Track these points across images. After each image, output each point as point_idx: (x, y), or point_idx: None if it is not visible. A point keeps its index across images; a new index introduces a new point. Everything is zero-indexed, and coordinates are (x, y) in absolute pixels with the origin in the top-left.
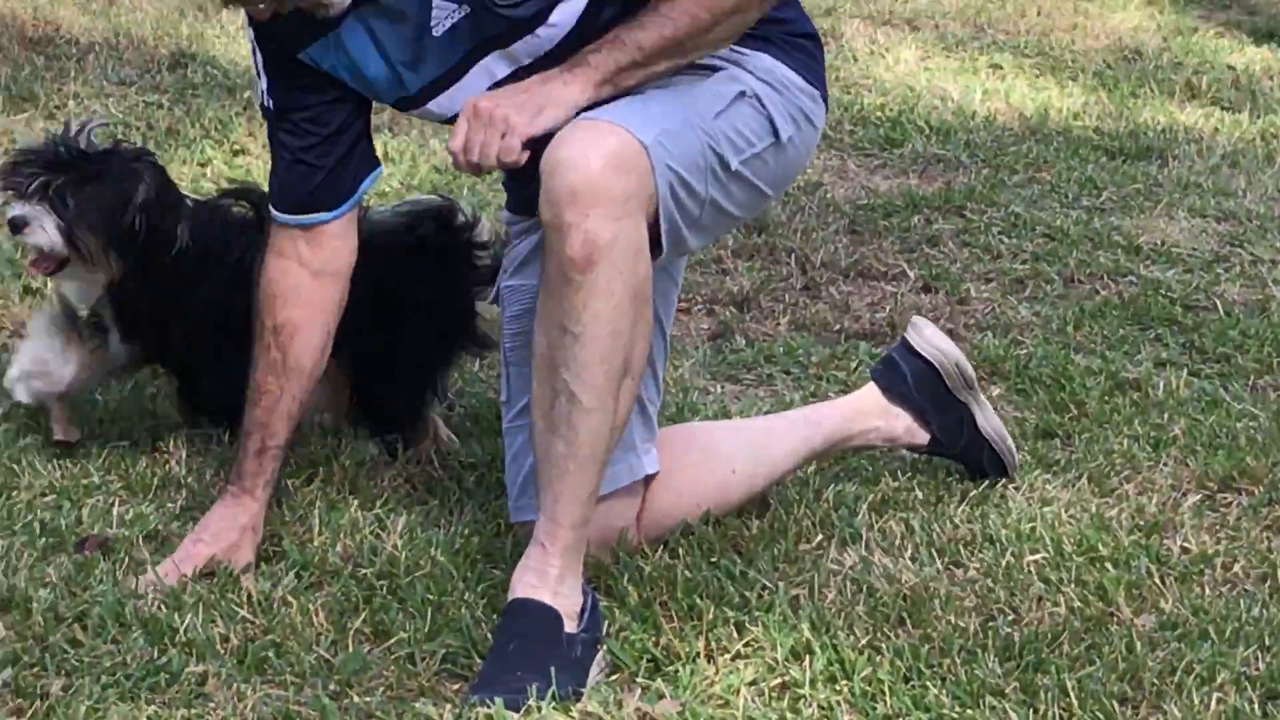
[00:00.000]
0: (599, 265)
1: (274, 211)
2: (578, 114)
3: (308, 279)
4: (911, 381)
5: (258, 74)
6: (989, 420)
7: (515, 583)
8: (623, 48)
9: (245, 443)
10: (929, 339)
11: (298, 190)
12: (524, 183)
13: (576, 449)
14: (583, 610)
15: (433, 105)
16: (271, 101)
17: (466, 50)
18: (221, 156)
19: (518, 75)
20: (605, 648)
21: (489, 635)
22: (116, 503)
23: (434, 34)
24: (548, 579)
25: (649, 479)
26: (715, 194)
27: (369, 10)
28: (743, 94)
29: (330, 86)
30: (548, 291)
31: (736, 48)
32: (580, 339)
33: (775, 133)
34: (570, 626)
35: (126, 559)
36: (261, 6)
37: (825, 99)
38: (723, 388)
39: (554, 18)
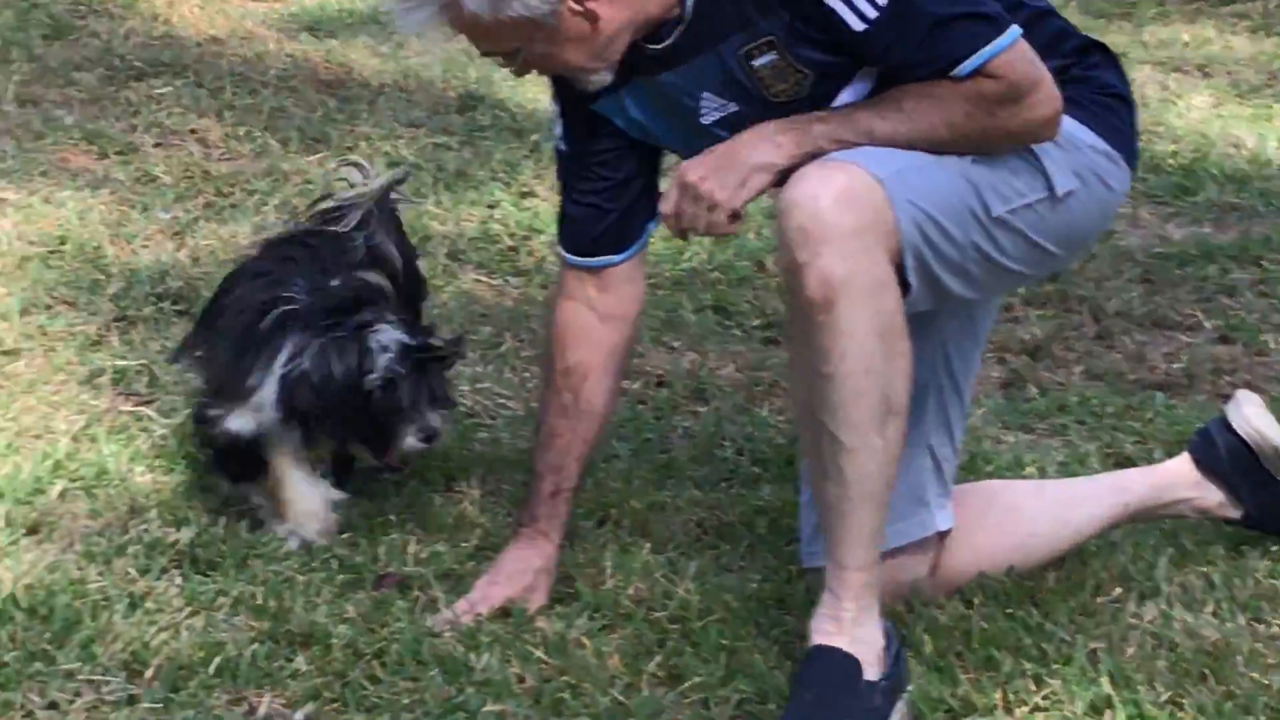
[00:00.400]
0: (838, 303)
1: (563, 254)
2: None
3: (596, 322)
4: (1226, 458)
5: (554, 118)
6: None
7: (812, 630)
8: (852, 128)
9: (538, 485)
10: (1248, 418)
11: (588, 233)
12: None
13: (847, 490)
14: (884, 655)
15: None
16: (566, 145)
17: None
18: (510, 199)
19: None
20: (908, 696)
21: (783, 681)
22: (412, 542)
23: (702, 121)
24: (842, 624)
25: (943, 535)
26: (979, 240)
27: (642, 81)
28: None
29: (623, 135)
30: (797, 338)
31: None
32: (832, 380)
33: (1050, 187)
34: (870, 674)
35: (421, 597)
36: (511, 69)
37: (1131, 162)
38: (1016, 437)
39: (837, 102)
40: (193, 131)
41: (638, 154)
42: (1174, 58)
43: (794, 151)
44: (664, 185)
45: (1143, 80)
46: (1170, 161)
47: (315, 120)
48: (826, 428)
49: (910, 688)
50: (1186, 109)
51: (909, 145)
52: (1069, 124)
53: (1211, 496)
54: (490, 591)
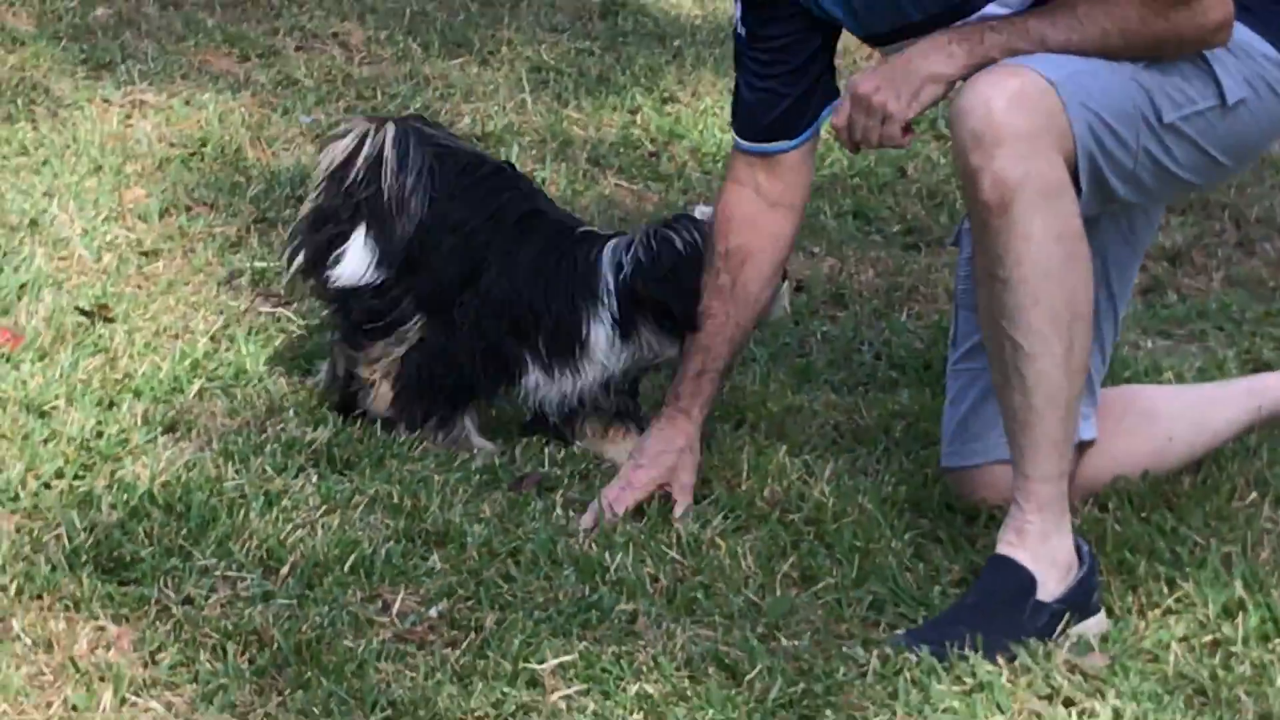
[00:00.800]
0: (1013, 206)
1: (736, 139)
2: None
3: (764, 208)
4: None
5: (735, 2)
6: None
7: (998, 539)
8: (1024, 36)
9: (685, 365)
10: None
11: (762, 118)
12: None
13: (1030, 397)
14: (1069, 577)
15: (906, 45)
16: (744, 28)
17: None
18: (651, 104)
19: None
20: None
21: (915, 583)
22: (549, 442)
23: None
24: (1026, 536)
25: (1085, 444)
26: (1150, 146)
27: None
28: None
29: (800, 17)
30: (975, 242)
31: None
32: (1009, 283)
33: (1221, 95)
34: (1045, 593)
35: (561, 498)
36: None
37: None
38: (1154, 343)
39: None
40: (334, 35)
41: (815, 38)
42: None
43: (967, 62)
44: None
45: None
46: None
47: (457, 25)
48: (1006, 333)
49: (1097, 617)
50: None
51: (1082, 52)
52: (1241, 30)
53: None
54: (635, 475)
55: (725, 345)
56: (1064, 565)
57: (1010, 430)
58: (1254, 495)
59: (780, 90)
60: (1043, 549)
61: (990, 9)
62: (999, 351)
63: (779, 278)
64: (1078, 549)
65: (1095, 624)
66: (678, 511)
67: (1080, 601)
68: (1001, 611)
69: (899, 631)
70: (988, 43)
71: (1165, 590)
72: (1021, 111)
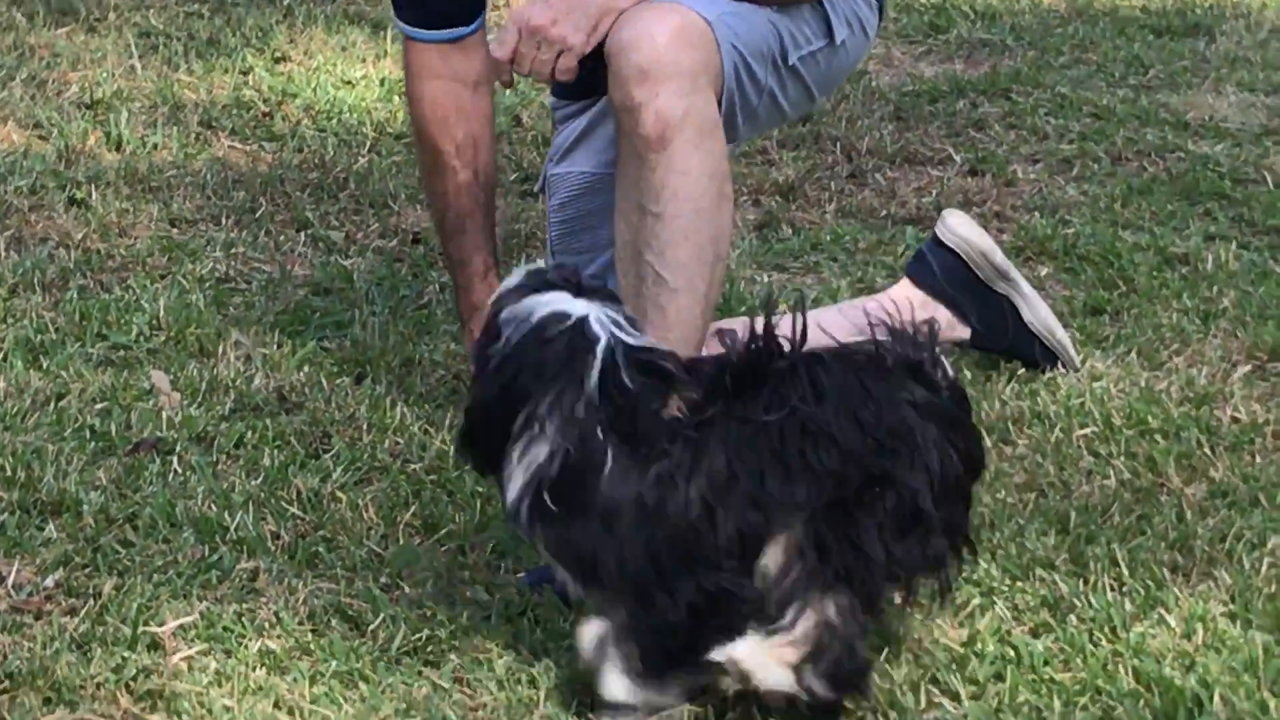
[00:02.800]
0: (673, 142)
1: (421, 33)
2: None
3: (469, 93)
4: (940, 273)
5: None
6: (1035, 313)
7: None
8: None
9: (466, 271)
10: (952, 228)
11: (446, 5)
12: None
13: (666, 334)
14: None
15: None
16: None
17: None
18: (263, 64)
19: None
20: None
21: None
22: (166, 406)
23: None
24: None
25: None
26: (773, 85)
27: None
28: None
29: None
30: (624, 175)
31: None
32: (661, 218)
33: (830, 34)
34: None
35: (177, 460)
36: None
37: (882, 9)
38: (770, 277)
39: None
40: None
41: None
42: None
43: None
44: None
45: None
46: (922, 1)
47: None
48: (653, 267)
49: None
50: None
51: None
52: None
53: (940, 317)
54: None
55: (493, 239)
56: None
57: None
58: None
59: None
60: None
61: None
62: (638, 285)
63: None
64: None
65: None
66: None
67: None
68: None
69: (521, 574)
70: None
71: None
72: (686, 48)
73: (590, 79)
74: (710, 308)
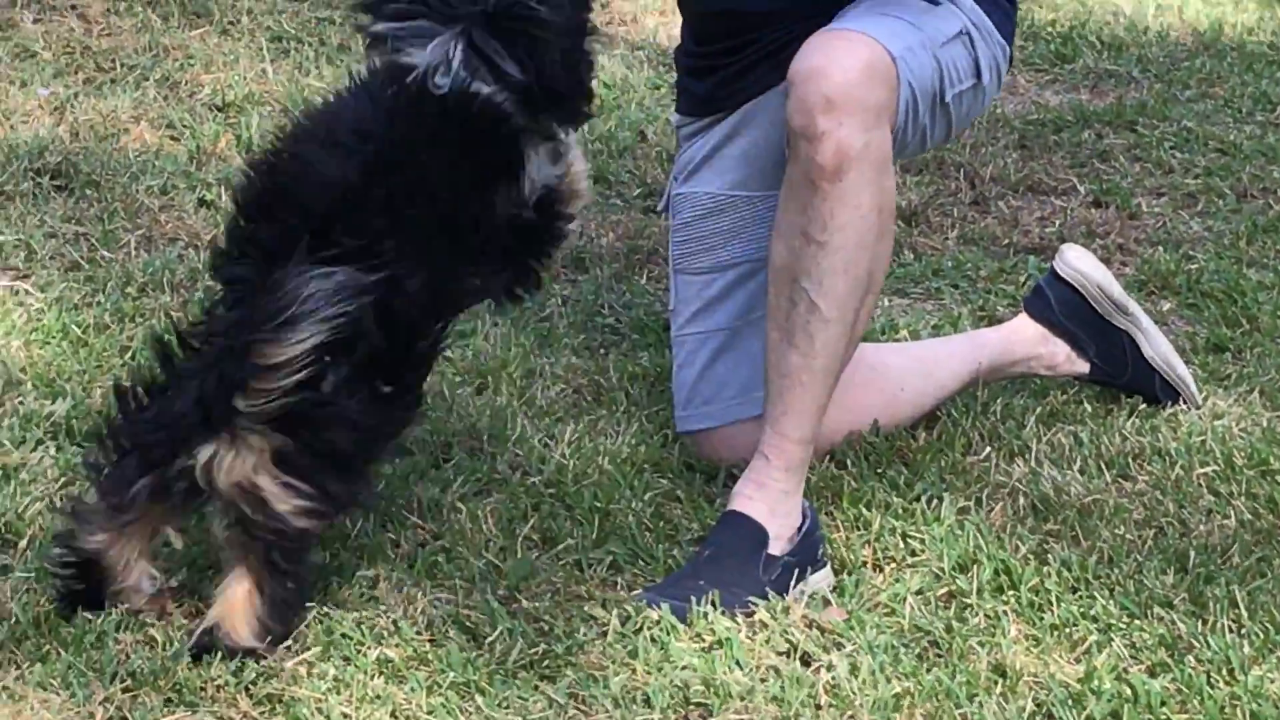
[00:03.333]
0: (849, 174)
1: None
2: None
3: None
4: (1057, 307)
5: None
6: (1155, 347)
7: (734, 493)
8: None
9: None
10: (1070, 262)
11: None
12: (700, 81)
13: (812, 360)
14: (797, 533)
15: None
16: None
17: None
18: None
19: None
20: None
21: (654, 543)
22: None
23: None
24: (767, 492)
25: None
26: (927, 122)
27: None
28: (961, 31)
29: None
30: (792, 199)
31: None
32: (826, 247)
33: (978, 74)
34: (776, 548)
35: None
36: None
37: (1011, 59)
38: (890, 301)
39: None
40: (73, 7)
41: None
42: None
43: None
44: None
45: None
46: (1049, 30)
47: None
48: (808, 294)
49: (823, 570)
50: None
51: None
52: (982, 15)
53: (1059, 351)
54: None
55: None
56: (793, 526)
57: (777, 388)
58: (987, 450)
59: None
60: (781, 506)
61: None
62: (789, 309)
63: None
64: (802, 509)
65: (822, 578)
66: None
67: (807, 555)
68: (736, 565)
69: (638, 590)
70: None
71: (901, 545)
72: (874, 83)
73: (716, 94)
74: (856, 339)
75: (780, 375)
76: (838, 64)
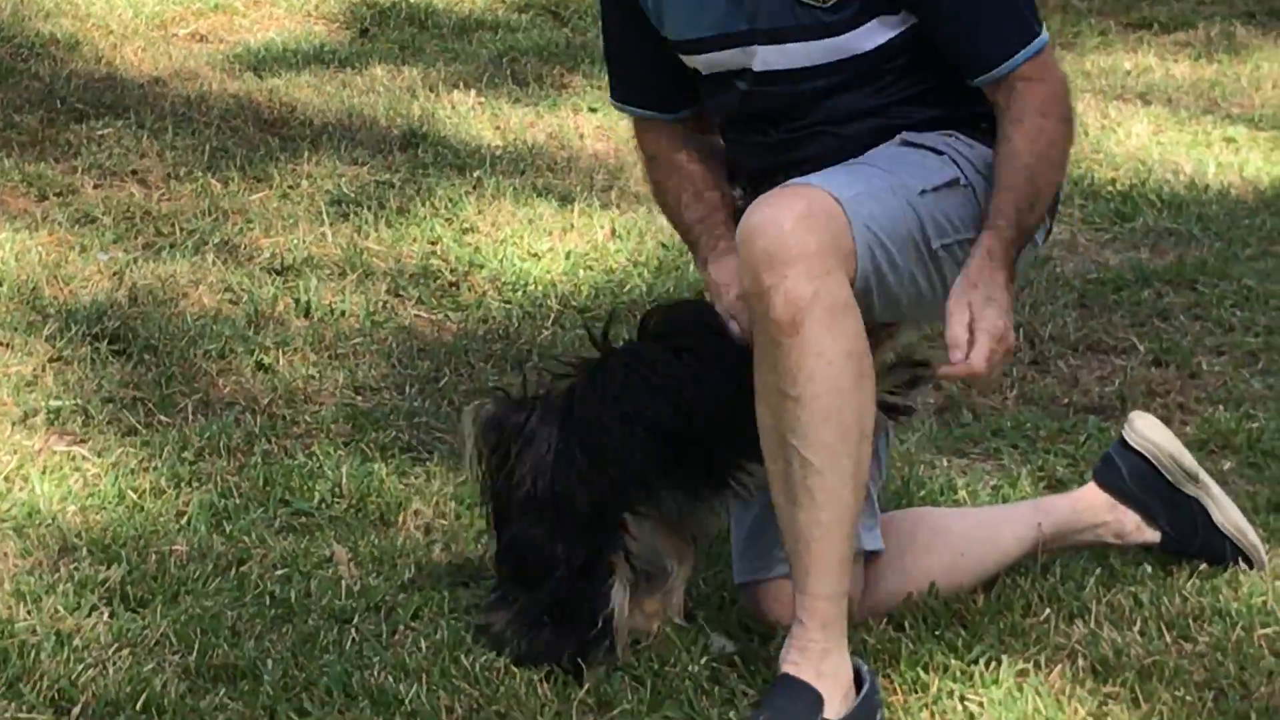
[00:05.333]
0: (805, 324)
1: (658, 114)
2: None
3: (705, 147)
4: (1128, 477)
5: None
6: (1226, 514)
7: (781, 658)
8: (1002, 215)
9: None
10: (1140, 431)
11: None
12: None
13: (817, 514)
14: (851, 693)
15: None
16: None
17: (746, 27)
18: (451, 234)
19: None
20: None
21: (710, 706)
22: (345, 576)
23: None
24: (809, 655)
25: (872, 557)
26: (915, 270)
27: None
28: (957, 181)
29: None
30: (762, 360)
31: (966, 136)
32: (800, 401)
33: (979, 223)
34: (832, 710)
35: (354, 629)
36: None
37: (1052, 213)
38: (949, 461)
39: (862, 33)
40: (133, 172)
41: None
42: (1114, 86)
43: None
44: None
45: (1083, 109)
46: (1109, 188)
47: (257, 159)
48: (797, 451)
49: None
50: (1126, 136)
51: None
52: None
53: (1128, 520)
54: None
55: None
56: (845, 682)
57: (793, 549)
58: (1047, 611)
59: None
60: (825, 665)
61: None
62: (785, 469)
63: None
64: (856, 669)
65: None
66: None
67: (866, 715)
68: None
69: None
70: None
71: (959, 708)
72: (811, 230)
73: None
74: (861, 485)
75: (793, 538)
76: (772, 219)
